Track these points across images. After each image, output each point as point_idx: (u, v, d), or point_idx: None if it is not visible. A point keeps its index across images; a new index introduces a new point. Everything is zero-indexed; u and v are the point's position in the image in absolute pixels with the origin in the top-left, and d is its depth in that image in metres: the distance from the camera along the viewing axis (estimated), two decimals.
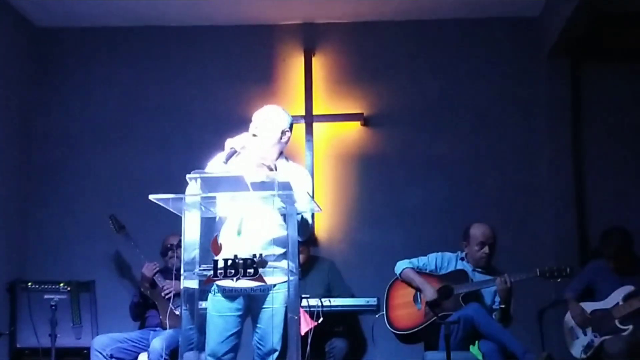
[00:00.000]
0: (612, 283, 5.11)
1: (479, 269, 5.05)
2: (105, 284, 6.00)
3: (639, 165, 6.08)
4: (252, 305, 3.76)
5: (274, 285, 3.66)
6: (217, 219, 3.79)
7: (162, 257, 5.57)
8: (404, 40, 6.38)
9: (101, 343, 5.11)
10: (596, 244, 5.77)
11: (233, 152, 3.75)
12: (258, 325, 3.76)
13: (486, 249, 5.01)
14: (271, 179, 3.49)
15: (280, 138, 3.88)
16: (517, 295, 4.91)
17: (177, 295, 4.56)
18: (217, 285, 3.70)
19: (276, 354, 3.69)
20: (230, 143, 3.78)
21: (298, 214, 3.63)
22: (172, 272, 5.24)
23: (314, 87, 6.29)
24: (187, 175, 3.58)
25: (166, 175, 5.52)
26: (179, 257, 5.27)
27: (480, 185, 6.14)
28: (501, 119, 6.25)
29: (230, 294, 3.71)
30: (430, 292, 4.96)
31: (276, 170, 3.80)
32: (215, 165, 3.81)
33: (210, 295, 3.77)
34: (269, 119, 3.86)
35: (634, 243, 5.19)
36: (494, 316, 4.91)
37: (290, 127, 3.94)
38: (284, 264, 3.54)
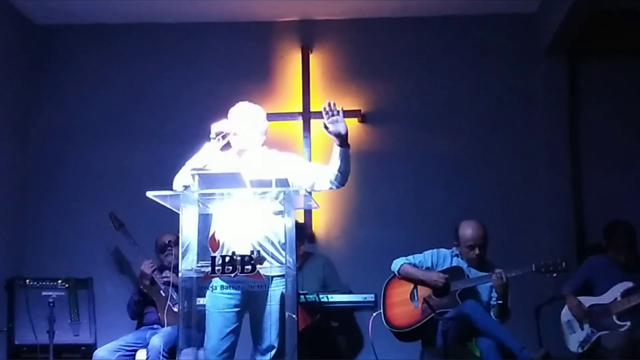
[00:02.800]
0: (610, 279, 5.11)
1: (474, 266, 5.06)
2: (103, 281, 6.01)
3: (636, 162, 6.09)
4: (250, 302, 3.77)
5: (272, 281, 3.68)
6: (213, 215, 3.81)
7: (158, 255, 5.57)
8: (401, 37, 6.38)
9: (101, 358, 5.10)
10: (593, 239, 5.80)
11: (222, 133, 3.84)
12: (256, 322, 3.77)
13: (476, 250, 4.98)
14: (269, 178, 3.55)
15: (263, 128, 4.01)
16: (514, 291, 4.90)
17: (175, 289, 4.57)
18: (217, 280, 3.72)
19: (274, 351, 3.71)
20: (216, 127, 3.87)
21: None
22: (169, 270, 5.28)
23: (312, 83, 6.29)
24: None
25: (163, 172, 5.49)
26: (175, 255, 5.34)
27: (478, 182, 6.15)
28: (499, 115, 6.26)
29: (227, 291, 3.72)
30: (436, 276, 4.93)
31: None
32: (202, 153, 3.88)
33: (208, 292, 3.78)
34: (247, 113, 3.99)
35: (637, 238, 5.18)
36: (491, 312, 4.91)
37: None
38: (281, 257, 3.57)
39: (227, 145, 3.93)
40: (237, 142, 3.95)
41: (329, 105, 3.77)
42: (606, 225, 5.29)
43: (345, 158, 3.83)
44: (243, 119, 3.96)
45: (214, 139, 3.84)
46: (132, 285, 5.74)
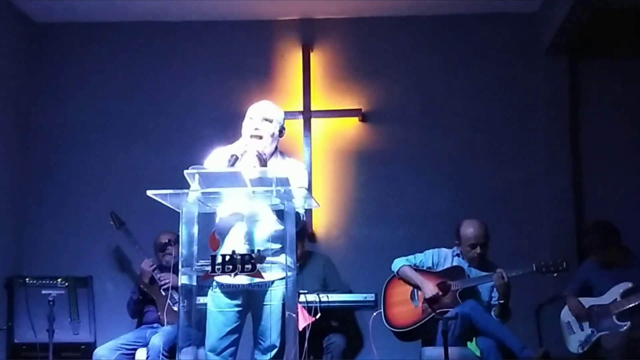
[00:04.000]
0: (609, 279, 5.10)
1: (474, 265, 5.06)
2: (103, 280, 6.01)
3: (637, 161, 6.09)
4: (251, 301, 3.77)
5: (273, 282, 3.68)
6: (218, 219, 3.79)
7: (156, 254, 5.56)
8: (402, 36, 6.38)
9: (101, 356, 5.09)
10: None
11: (236, 159, 3.75)
12: (257, 322, 3.77)
13: (478, 249, 5.00)
14: (266, 174, 3.50)
15: (279, 135, 3.90)
16: (514, 291, 4.91)
17: (175, 290, 4.55)
18: (216, 282, 3.72)
19: (275, 350, 3.71)
20: (231, 151, 3.76)
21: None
22: (167, 270, 5.28)
23: (312, 82, 6.29)
24: (185, 171, 3.58)
25: (164, 171, 5.52)
26: (172, 254, 5.35)
27: (478, 181, 6.15)
28: (499, 115, 6.25)
29: (228, 290, 3.72)
30: (429, 288, 4.96)
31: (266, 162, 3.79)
32: (213, 157, 3.83)
33: (210, 291, 3.78)
34: (268, 118, 3.86)
35: (618, 235, 5.13)
36: (493, 312, 4.92)
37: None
38: (281, 259, 3.55)
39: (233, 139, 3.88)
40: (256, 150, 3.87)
41: None
42: (582, 234, 5.30)
43: None
44: (266, 128, 3.84)
45: (232, 166, 3.75)
46: (132, 284, 5.73)
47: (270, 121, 3.85)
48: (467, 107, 6.28)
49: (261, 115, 3.85)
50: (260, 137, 3.82)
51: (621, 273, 5.09)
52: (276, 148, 3.92)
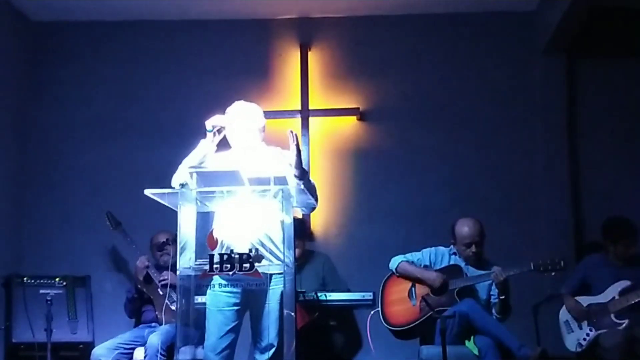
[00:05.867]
0: (608, 277, 5.11)
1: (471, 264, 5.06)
2: (101, 279, 6.01)
3: (634, 160, 6.09)
4: (250, 300, 3.78)
5: (271, 279, 3.68)
6: (215, 214, 3.81)
7: (153, 254, 5.54)
8: (400, 34, 6.38)
9: (99, 356, 5.09)
10: (591, 238, 5.80)
11: (217, 127, 3.86)
12: (256, 321, 3.78)
13: (473, 248, 5.00)
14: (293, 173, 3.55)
15: (260, 125, 4.00)
16: (512, 289, 4.92)
17: (173, 289, 4.55)
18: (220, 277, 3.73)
19: (273, 350, 3.71)
20: (211, 121, 3.89)
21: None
22: (165, 269, 5.27)
23: (310, 81, 6.28)
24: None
25: (162, 170, 5.49)
26: (169, 254, 5.35)
27: (476, 180, 6.15)
28: (497, 113, 6.25)
29: (229, 285, 3.71)
30: (433, 277, 4.95)
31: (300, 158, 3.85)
32: (198, 150, 3.89)
33: (209, 291, 3.79)
34: (244, 111, 3.99)
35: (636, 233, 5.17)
36: (493, 308, 4.93)
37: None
38: (280, 255, 3.57)
39: (226, 145, 3.92)
40: (235, 140, 3.94)
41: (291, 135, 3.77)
42: (605, 223, 5.28)
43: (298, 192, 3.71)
44: (240, 117, 3.95)
45: (210, 131, 3.84)
46: (130, 284, 5.72)
47: (247, 116, 3.97)
48: (464, 106, 6.28)
49: (236, 112, 3.98)
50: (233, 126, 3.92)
51: (623, 271, 5.10)
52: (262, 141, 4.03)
